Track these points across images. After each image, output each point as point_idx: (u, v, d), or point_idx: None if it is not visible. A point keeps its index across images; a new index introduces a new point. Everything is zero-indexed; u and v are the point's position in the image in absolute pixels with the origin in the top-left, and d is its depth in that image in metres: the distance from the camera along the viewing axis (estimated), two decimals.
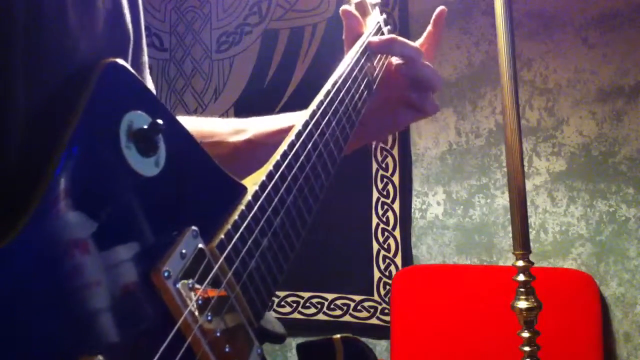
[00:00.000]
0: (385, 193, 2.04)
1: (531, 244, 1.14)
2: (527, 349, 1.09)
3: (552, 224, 1.83)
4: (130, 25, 0.50)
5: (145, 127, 0.40)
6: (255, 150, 0.73)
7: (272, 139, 0.72)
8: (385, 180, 2.05)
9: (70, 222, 0.35)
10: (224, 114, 2.28)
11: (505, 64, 1.14)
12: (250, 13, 2.29)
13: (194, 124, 0.75)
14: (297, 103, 0.70)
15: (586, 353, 1.65)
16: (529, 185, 1.79)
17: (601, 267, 1.76)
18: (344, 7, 0.80)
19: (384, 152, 2.05)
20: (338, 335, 0.57)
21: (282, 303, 2.13)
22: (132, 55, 0.51)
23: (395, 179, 2.03)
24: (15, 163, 0.37)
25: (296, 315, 2.12)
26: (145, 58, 0.56)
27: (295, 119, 0.73)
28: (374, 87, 0.74)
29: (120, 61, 0.40)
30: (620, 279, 1.74)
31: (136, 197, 0.40)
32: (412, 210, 2.02)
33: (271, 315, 0.52)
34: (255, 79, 2.26)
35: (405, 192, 2.02)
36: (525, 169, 1.57)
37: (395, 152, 2.04)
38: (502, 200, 1.89)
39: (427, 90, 0.75)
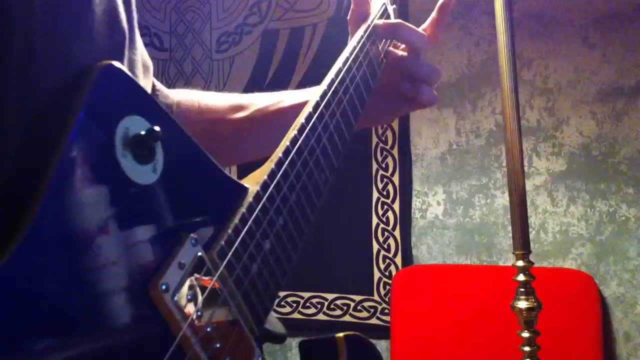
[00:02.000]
0: (385, 193, 2.04)
1: (531, 244, 1.14)
2: (527, 349, 1.09)
3: (552, 224, 1.83)
4: (125, 24, 0.48)
5: (143, 133, 0.39)
6: (255, 128, 0.72)
7: (273, 118, 0.71)
8: (385, 180, 2.05)
9: (64, 235, 0.34)
10: None
11: (505, 64, 1.14)
12: (250, 13, 2.29)
13: (194, 98, 0.74)
14: None
15: (586, 353, 1.65)
16: (529, 185, 1.79)
17: (601, 267, 1.76)
18: None
19: (384, 152, 2.05)
20: (341, 334, 0.56)
21: (282, 303, 2.13)
22: (127, 55, 0.49)
23: (395, 179, 2.03)
24: (13, 169, 0.36)
25: (296, 315, 2.12)
26: (138, 56, 0.53)
27: (296, 98, 0.72)
28: (379, 73, 0.71)
29: (117, 64, 0.39)
30: (620, 279, 1.74)
31: (133, 206, 0.38)
32: (412, 210, 2.02)
33: (272, 314, 0.51)
34: (255, 79, 2.25)
35: (405, 192, 2.02)
36: (525, 169, 1.57)
37: (395, 152, 2.04)
38: (502, 200, 1.89)
39: (422, 83, 0.73)
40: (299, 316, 2.12)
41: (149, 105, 0.41)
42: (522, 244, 1.11)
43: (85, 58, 0.40)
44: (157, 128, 0.39)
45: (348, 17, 0.75)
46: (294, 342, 2.16)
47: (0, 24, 0.36)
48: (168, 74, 2.36)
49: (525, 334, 1.09)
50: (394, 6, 0.84)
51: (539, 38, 1.87)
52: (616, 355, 1.73)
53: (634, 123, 1.76)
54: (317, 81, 0.64)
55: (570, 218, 1.81)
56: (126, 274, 0.37)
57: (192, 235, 0.42)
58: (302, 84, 2.20)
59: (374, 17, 0.74)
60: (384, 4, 0.80)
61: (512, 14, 1.15)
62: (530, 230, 1.45)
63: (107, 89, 0.38)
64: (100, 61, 0.39)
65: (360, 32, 0.70)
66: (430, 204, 2.00)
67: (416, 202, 2.02)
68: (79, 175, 0.35)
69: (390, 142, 2.04)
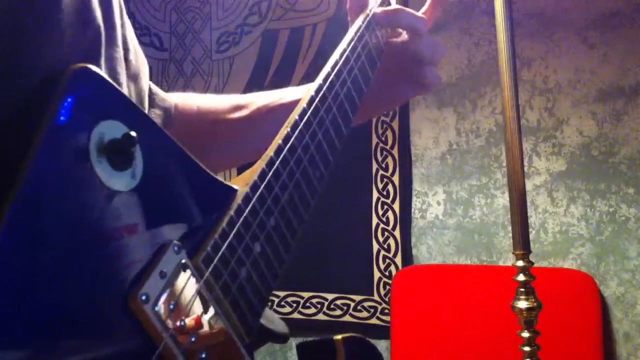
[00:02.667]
0: (385, 193, 2.04)
1: (531, 244, 1.14)
2: (527, 349, 1.09)
3: (552, 224, 1.83)
4: (101, 21, 0.46)
5: (119, 138, 0.37)
6: (257, 126, 0.71)
7: (275, 115, 0.70)
8: (385, 180, 2.05)
9: (37, 246, 0.33)
10: None
11: (505, 64, 1.14)
12: (250, 13, 2.29)
13: (192, 101, 0.73)
14: None
15: (586, 353, 1.65)
16: (529, 185, 1.79)
17: (601, 267, 1.76)
18: None
19: (384, 152, 2.05)
20: (339, 336, 0.55)
21: (282, 303, 2.13)
22: (104, 54, 0.47)
23: (395, 179, 2.03)
24: None
25: (296, 315, 2.12)
26: (120, 54, 0.50)
27: (298, 94, 0.70)
28: (378, 63, 0.69)
29: (92, 67, 0.37)
30: (620, 279, 1.74)
31: (110, 214, 0.37)
32: (412, 210, 2.02)
33: (274, 314, 0.51)
34: (255, 79, 2.25)
35: (405, 192, 2.02)
36: (525, 169, 1.57)
37: (395, 152, 2.04)
38: (502, 200, 1.89)
39: (426, 64, 0.71)
40: (299, 316, 2.12)
41: (127, 108, 0.39)
42: (522, 244, 1.12)
43: (54, 59, 0.39)
44: (133, 133, 0.37)
45: (347, 7, 0.73)
46: (294, 342, 2.15)
47: None
48: (168, 74, 2.36)
49: (525, 334, 1.09)
50: None
51: (539, 38, 1.87)
52: (616, 355, 1.73)
53: (634, 123, 1.76)
54: None
55: (570, 218, 1.81)
56: (105, 285, 0.36)
57: (175, 242, 0.41)
58: (302, 84, 2.20)
59: (373, 5, 0.72)
60: None
61: (512, 14, 1.15)
62: (530, 230, 1.45)
63: (81, 94, 0.36)
64: (71, 61, 0.37)
65: (358, 21, 0.68)
66: (430, 204, 2.00)
67: (416, 202, 2.02)
68: (51, 184, 0.34)
69: (390, 142, 2.04)
